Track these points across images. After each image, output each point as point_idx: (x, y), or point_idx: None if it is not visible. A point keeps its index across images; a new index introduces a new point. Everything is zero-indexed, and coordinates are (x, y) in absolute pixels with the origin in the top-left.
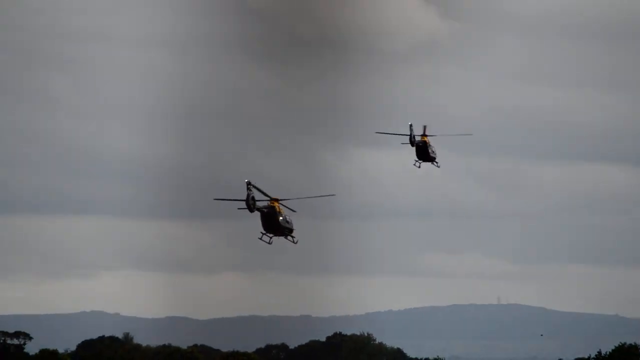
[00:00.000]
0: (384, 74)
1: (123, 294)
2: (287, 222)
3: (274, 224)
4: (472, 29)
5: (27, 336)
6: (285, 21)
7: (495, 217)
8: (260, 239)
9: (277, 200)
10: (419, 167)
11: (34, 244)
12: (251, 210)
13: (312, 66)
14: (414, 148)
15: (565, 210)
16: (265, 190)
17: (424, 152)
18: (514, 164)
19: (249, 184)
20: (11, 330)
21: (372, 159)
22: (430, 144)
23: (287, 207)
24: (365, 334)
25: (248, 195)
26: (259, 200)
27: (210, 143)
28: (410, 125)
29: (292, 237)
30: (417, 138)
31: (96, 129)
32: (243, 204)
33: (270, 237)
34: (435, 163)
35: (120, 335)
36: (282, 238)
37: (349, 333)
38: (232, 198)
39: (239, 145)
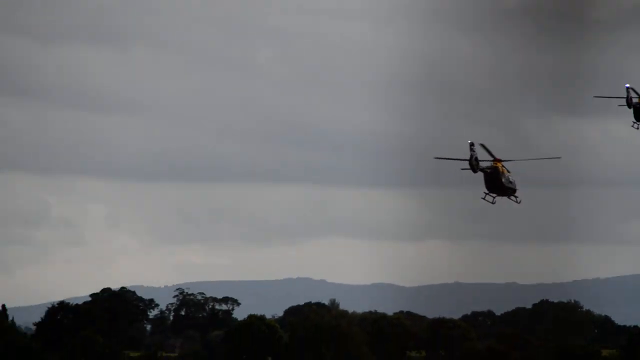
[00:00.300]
0: (590, 43)
1: (329, 261)
2: (510, 182)
3: (498, 184)
4: None
5: (235, 302)
6: None
7: None
8: (484, 198)
9: (500, 160)
10: (638, 128)
11: (242, 212)
12: (474, 171)
13: (516, 35)
14: (631, 110)
15: None
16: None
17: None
18: None
19: (472, 144)
20: (220, 296)
21: (582, 127)
22: (505, 172)
23: (549, 159)
24: (572, 302)
25: (471, 155)
26: (482, 161)
27: (414, 112)
28: (628, 88)
29: (515, 197)
30: (635, 100)
31: (300, 100)
32: (466, 164)
33: (494, 197)
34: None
35: (326, 301)
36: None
37: (555, 300)
38: (454, 157)
39: (442, 116)
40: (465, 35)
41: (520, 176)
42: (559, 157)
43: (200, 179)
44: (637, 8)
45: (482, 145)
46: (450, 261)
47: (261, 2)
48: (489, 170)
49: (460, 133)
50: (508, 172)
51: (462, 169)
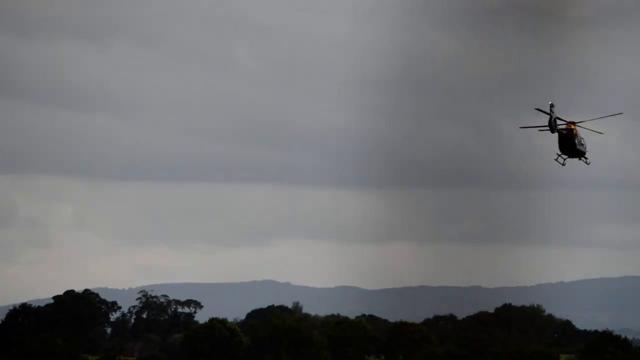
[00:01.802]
0: (567, 40)
1: (294, 263)
2: (582, 144)
3: (572, 146)
4: None
5: (198, 304)
6: None
7: None
8: (556, 159)
9: (574, 123)
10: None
11: (208, 214)
12: (553, 131)
13: (495, 32)
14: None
15: None
16: None
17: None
18: None
19: (552, 105)
20: (183, 299)
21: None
22: (579, 133)
23: (593, 131)
24: (535, 306)
25: (551, 116)
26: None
27: (387, 111)
28: (551, 106)
29: (586, 158)
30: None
31: (275, 98)
32: (544, 128)
33: (565, 159)
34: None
35: (290, 304)
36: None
37: (518, 304)
38: (535, 125)
39: (419, 115)
40: (444, 33)
41: (486, 179)
42: (621, 113)
43: (166, 180)
44: (620, 5)
45: (551, 106)
46: (415, 264)
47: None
48: (564, 132)
49: (434, 134)
50: (581, 136)
51: (540, 130)
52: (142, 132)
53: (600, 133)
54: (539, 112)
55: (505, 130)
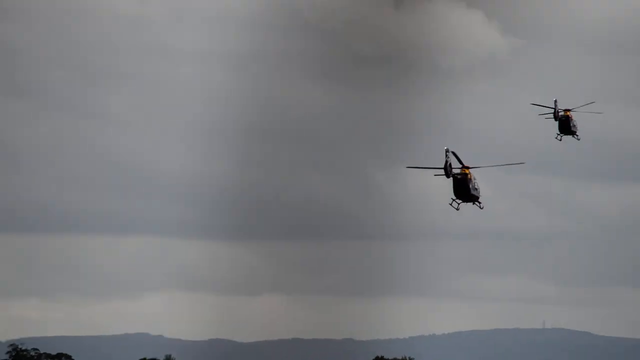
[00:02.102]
0: (442, 92)
1: (167, 315)
2: (476, 189)
3: (466, 190)
4: (534, 45)
5: (69, 358)
6: (342, 37)
7: (543, 239)
8: (450, 204)
9: (468, 168)
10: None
11: (80, 265)
12: (448, 176)
13: (370, 84)
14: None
15: (614, 231)
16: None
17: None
18: (563, 185)
19: (447, 150)
20: (53, 352)
21: (423, 179)
22: (473, 178)
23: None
24: (407, 359)
25: (446, 161)
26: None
27: (262, 162)
28: (447, 151)
29: (479, 202)
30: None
31: (143, 145)
32: (439, 171)
33: (459, 204)
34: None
35: (162, 357)
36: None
37: (390, 357)
38: (426, 166)
39: (292, 164)
40: (316, 82)
41: (358, 230)
42: (523, 162)
43: (37, 230)
44: (487, 58)
45: (453, 153)
46: (288, 316)
47: (104, 43)
48: (459, 177)
49: (308, 182)
50: (474, 179)
51: (436, 175)
52: (11, 181)
53: (522, 163)
54: (415, 168)
55: (378, 181)
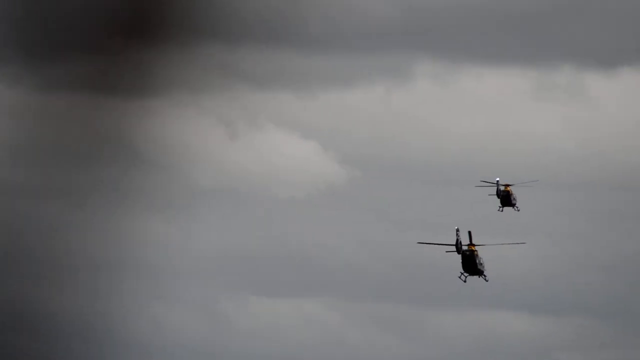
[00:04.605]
0: (282, 221)
1: None
2: (481, 264)
3: (473, 265)
4: (371, 176)
5: None
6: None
7: None
8: (459, 277)
9: (474, 245)
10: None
11: None
12: (459, 253)
13: (207, 214)
14: None
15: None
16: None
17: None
18: (403, 311)
19: (457, 230)
20: None
21: (270, 308)
22: (479, 255)
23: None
24: None
25: (457, 240)
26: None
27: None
28: (457, 230)
29: (485, 276)
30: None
31: None
32: (451, 248)
33: (466, 277)
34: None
35: None
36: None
37: None
38: (438, 242)
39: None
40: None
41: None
42: (524, 243)
43: None
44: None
45: (457, 231)
46: None
47: None
48: (467, 253)
49: (153, 312)
50: (480, 256)
51: (447, 252)
52: None
53: (523, 243)
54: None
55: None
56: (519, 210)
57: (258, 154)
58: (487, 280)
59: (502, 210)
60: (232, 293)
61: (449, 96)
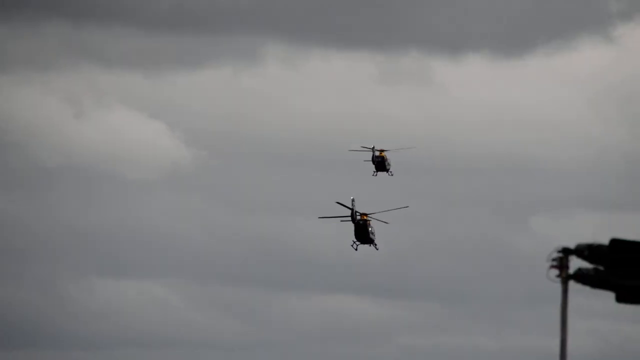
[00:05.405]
0: (128, 203)
1: None
2: (373, 233)
3: (366, 234)
4: (218, 158)
5: None
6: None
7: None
8: (352, 245)
9: (366, 214)
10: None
11: None
12: (354, 222)
13: (52, 193)
14: None
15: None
16: None
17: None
18: (250, 294)
19: (353, 200)
20: None
21: (115, 289)
22: (371, 224)
23: (378, 220)
24: None
25: (352, 210)
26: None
27: None
28: (352, 200)
29: (375, 244)
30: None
31: None
32: (347, 218)
33: (358, 245)
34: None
35: None
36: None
37: None
38: (335, 215)
39: None
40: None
41: None
42: (407, 206)
43: None
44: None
45: (352, 201)
46: None
47: None
48: (361, 222)
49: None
50: (372, 226)
51: (342, 221)
52: None
53: (386, 222)
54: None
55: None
56: (392, 175)
57: (105, 134)
58: (377, 249)
59: (376, 175)
60: (74, 272)
61: (297, 79)
